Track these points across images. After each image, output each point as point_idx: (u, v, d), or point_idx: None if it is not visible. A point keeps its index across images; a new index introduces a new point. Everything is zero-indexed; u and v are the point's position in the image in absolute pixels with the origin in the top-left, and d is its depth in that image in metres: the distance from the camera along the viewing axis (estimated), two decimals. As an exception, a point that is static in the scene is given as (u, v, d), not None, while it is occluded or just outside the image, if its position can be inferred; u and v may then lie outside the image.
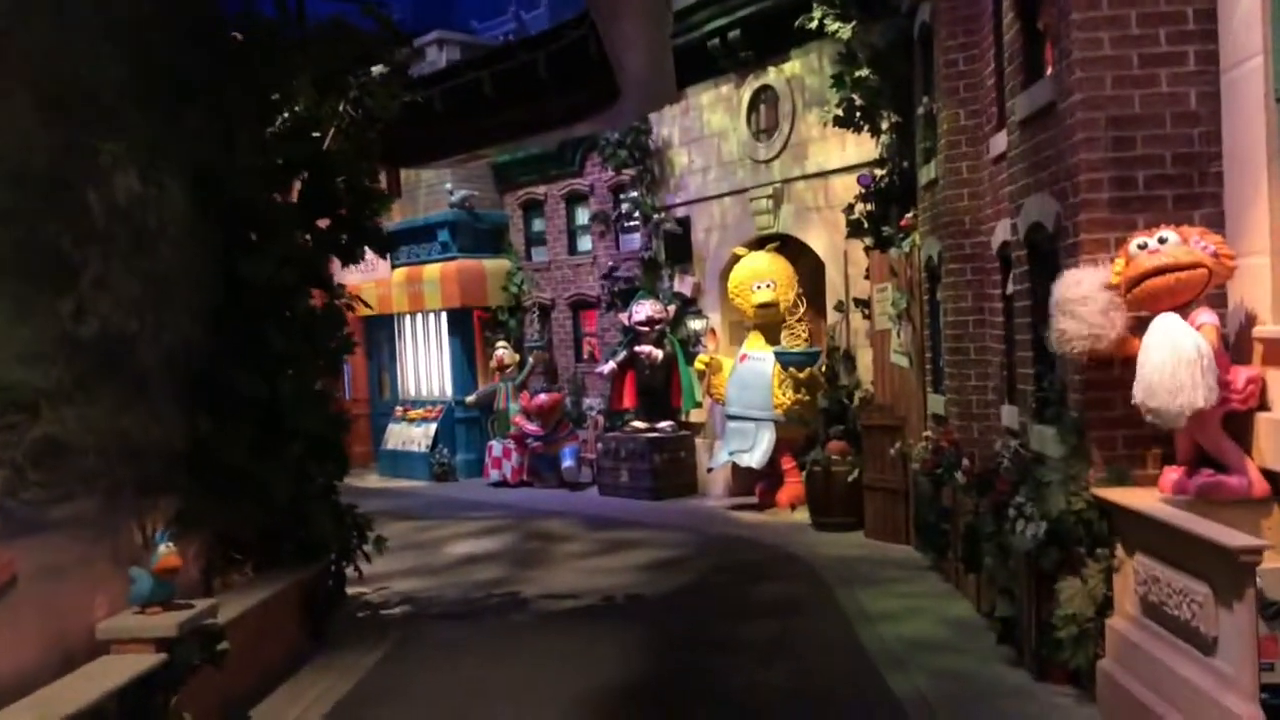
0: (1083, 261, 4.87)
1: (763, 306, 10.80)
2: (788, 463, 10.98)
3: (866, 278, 9.79)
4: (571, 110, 9.14)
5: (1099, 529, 4.77)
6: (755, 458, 10.71)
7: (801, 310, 10.75)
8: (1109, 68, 4.85)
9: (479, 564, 9.05)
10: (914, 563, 8.21)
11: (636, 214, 13.03)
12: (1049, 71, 5.50)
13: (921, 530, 7.98)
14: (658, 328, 12.34)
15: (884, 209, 9.53)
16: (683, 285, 12.51)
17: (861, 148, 10.00)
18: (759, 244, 11.33)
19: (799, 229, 10.92)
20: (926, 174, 8.26)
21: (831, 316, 10.56)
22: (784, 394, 10.56)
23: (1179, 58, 4.81)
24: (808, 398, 10.35)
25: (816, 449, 9.85)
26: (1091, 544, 4.81)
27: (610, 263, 13.44)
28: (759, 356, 10.94)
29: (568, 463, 13.25)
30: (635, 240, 13.47)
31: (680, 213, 12.53)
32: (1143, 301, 4.46)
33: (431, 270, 15.25)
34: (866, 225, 9.67)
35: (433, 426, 15.34)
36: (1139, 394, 4.33)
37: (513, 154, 15.06)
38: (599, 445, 12.81)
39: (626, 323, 12.57)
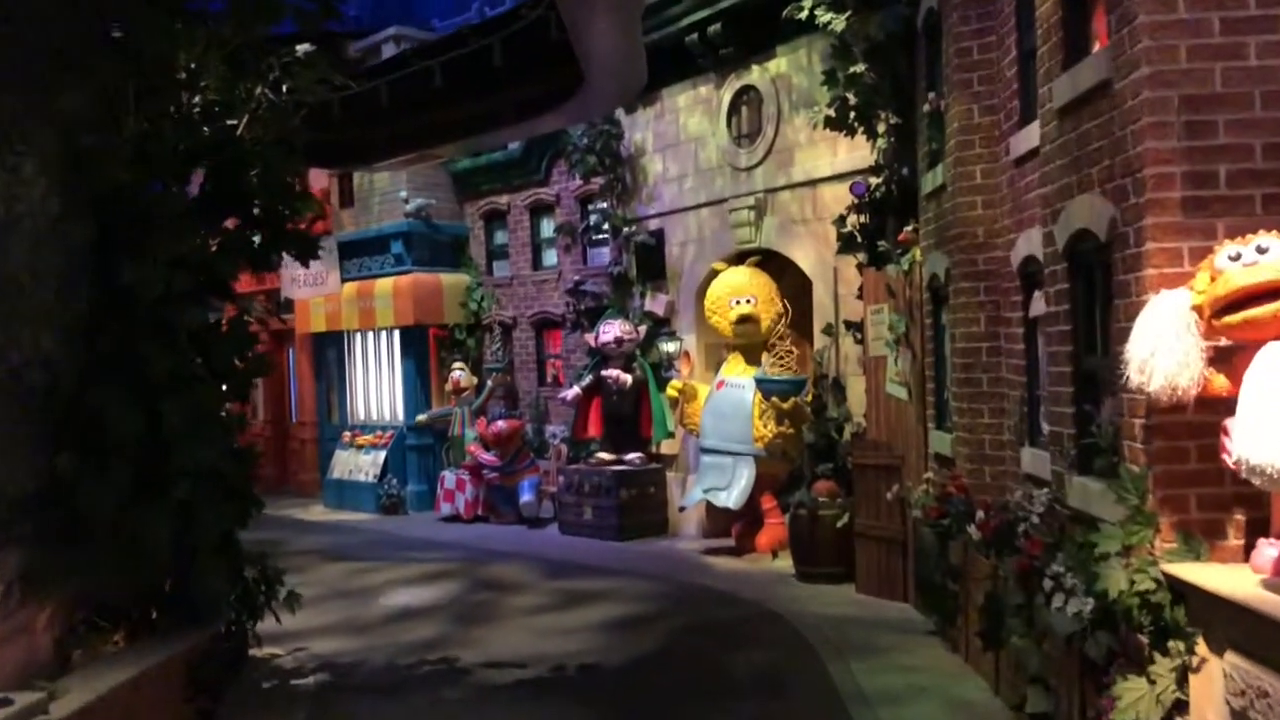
0: (1148, 277, 3.92)
1: (741, 321, 9.83)
2: (768, 502, 9.99)
3: (859, 298, 8.84)
4: (531, 101, 8.17)
5: (1172, 617, 3.79)
6: (732, 497, 9.72)
7: (785, 330, 9.78)
8: (1184, 35, 3.92)
9: (415, 620, 7.97)
10: (914, 625, 7.23)
11: (605, 226, 12.07)
12: (1098, 46, 4.58)
13: (925, 589, 7.00)
14: (626, 348, 11.35)
15: (880, 221, 8.62)
16: (655, 304, 11.53)
17: (855, 153, 9.08)
18: (739, 259, 10.39)
19: (784, 243, 9.98)
20: (931, 181, 7.35)
21: (819, 340, 9.60)
22: (765, 426, 9.60)
23: (1272, 23, 3.89)
24: (791, 431, 9.38)
25: (801, 489, 8.86)
26: (1160, 635, 3.83)
27: (576, 278, 12.45)
28: (738, 383, 9.97)
29: (526, 497, 12.20)
30: (604, 254, 12.50)
31: (653, 225, 11.58)
32: (1238, 329, 3.50)
33: (384, 284, 14.21)
34: (860, 239, 8.76)
35: (382, 454, 14.25)
36: (1239, 448, 3.36)
37: (473, 160, 14.11)
38: (560, 478, 11.78)
39: (593, 344, 11.58)
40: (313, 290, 15.43)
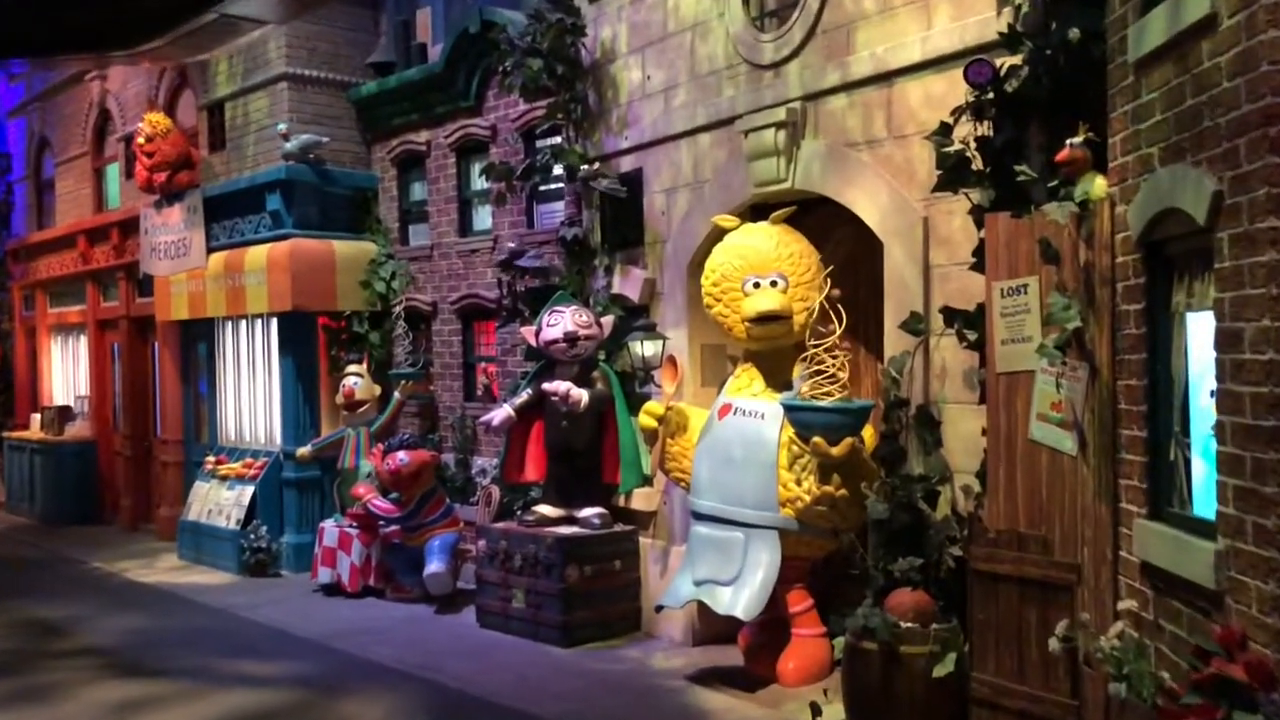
0: None
1: (763, 320, 6.24)
2: (799, 601, 6.42)
3: (975, 268, 5.28)
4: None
5: None
6: (741, 600, 6.11)
7: (834, 325, 6.07)
8: None
9: None
10: None
11: (559, 168, 8.46)
12: None
13: None
14: (582, 349, 7.77)
15: (1018, 131, 5.09)
16: (627, 283, 7.95)
17: (965, 20, 5.53)
18: (759, 212, 6.79)
19: (833, 182, 6.37)
20: (1155, 29, 3.81)
21: (894, 342, 5.99)
22: (800, 483, 6.02)
23: None
24: (844, 493, 5.77)
25: (867, 604, 5.27)
26: None
27: (513, 245, 8.81)
28: (753, 409, 6.38)
29: (434, 566, 8.58)
30: (557, 212, 8.93)
31: (626, 164, 7.99)
32: None
33: (255, 255, 10.60)
34: (979, 165, 5.22)
35: (249, 490, 10.63)
36: None
37: (381, 82, 10.57)
38: (480, 543, 8.17)
39: (533, 342, 7.99)
40: (174, 264, 11.99)
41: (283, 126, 10.35)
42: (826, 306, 5.88)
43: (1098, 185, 4.46)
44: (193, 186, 11.62)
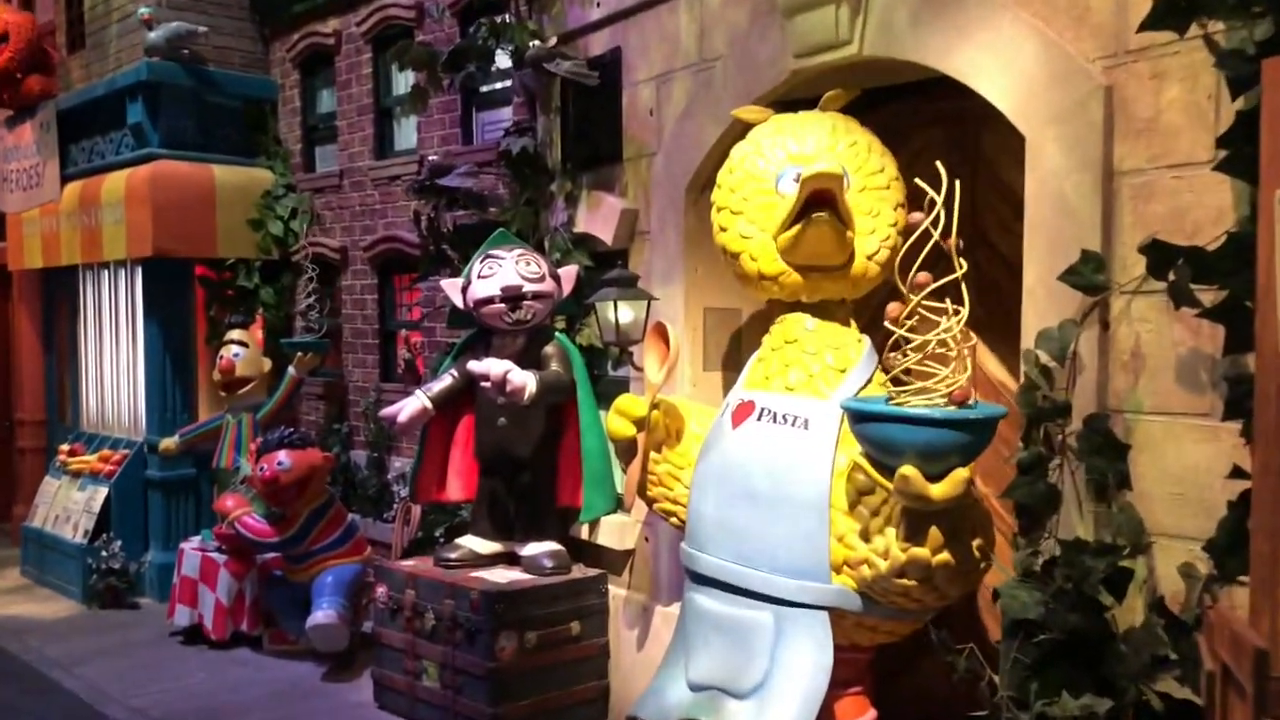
0: None
1: (808, 215, 3.91)
2: (856, 712, 4.14)
3: (1225, 166, 2.95)
4: None
5: None
6: (772, 730, 3.83)
7: (958, 267, 3.71)
8: None
9: None
10: None
11: (504, 57, 6.08)
12: None
13: None
14: (530, 313, 5.45)
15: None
16: (596, 217, 5.61)
17: None
18: (801, 103, 4.44)
19: (934, 39, 4.00)
20: None
21: (1041, 307, 3.64)
22: (867, 536, 3.71)
23: None
24: (945, 556, 3.46)
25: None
26: None
27: (435, 158, 6.36)
28: (791, 411, 4.04)
29: (321, 615, 6.25)
30: (505, 120, 6.56)
31: (599, 44, 5.63)
32: None
33: (113, 184, 8.22)
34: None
35: (102, 492, 8.30)
36: None
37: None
38: (380, 592, 5.85)
39: (460, 303, 5.65)
40: (27, 196, 9.64)
41: (145, 11, 7.94)
42: (933, 234, 3.50)
43: None
44: (47, 96, 9.25)
